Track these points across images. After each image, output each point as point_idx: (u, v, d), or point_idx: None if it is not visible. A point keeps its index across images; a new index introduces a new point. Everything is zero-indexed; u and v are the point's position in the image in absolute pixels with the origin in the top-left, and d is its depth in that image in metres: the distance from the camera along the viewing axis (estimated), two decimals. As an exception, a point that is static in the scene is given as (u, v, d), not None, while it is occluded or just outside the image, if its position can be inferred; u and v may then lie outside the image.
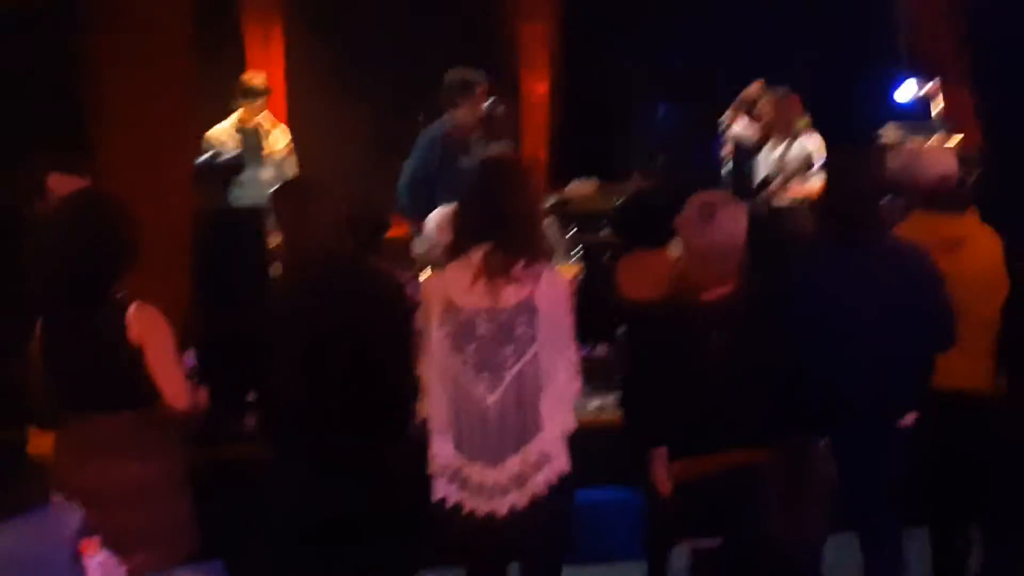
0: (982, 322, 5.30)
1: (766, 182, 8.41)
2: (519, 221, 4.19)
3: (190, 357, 5.15)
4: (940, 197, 5.29)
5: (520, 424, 4.16)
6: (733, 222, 4.32)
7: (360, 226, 5.33)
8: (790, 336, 4.42)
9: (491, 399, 4.14)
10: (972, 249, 5.27)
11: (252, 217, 6.01)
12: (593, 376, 5.40)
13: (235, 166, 7.28)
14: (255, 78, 8.40)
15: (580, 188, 8.96)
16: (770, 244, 5.90)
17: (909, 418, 4.91)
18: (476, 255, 4.18)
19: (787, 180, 8.32)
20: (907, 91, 8.78)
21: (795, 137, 8.56)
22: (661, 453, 4.53)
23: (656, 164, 9.54)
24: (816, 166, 8.25)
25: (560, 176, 9.37)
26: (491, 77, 7.63)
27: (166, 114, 6.22)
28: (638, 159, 9.81)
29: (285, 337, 4.33)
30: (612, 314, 5.32)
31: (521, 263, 4.14)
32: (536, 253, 4.19)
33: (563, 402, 4.20)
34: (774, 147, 8.64)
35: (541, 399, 4.15)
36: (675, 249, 4.95)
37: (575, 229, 8.05)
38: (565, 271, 7.41)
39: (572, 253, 7.82)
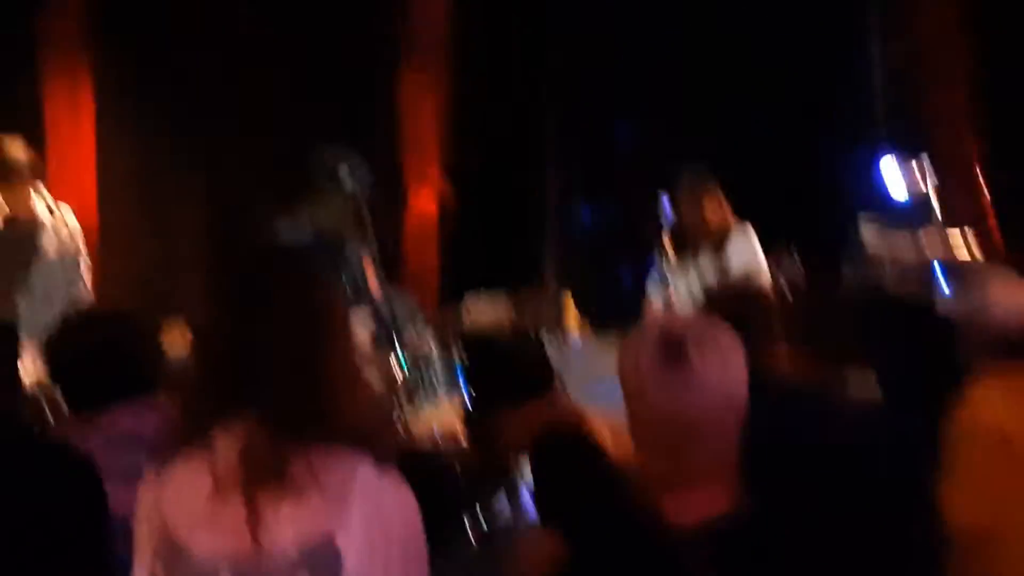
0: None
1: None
2: (306, 367, 2.16)
3: None
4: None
5: None
6: (723, 369, 2.27)
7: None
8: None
9: None
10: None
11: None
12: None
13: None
14: (10, 150, 6.17)
15: (482, 309, 6.65)
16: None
17: None
18: (222, 441, 2.14)
19: None
20: (891, 170, 6.84)
21: (725, 235, 6.49)
22: None
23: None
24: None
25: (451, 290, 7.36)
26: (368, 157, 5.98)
27: None
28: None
29: None
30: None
31: (309, 455, 2.10)
32: (340, 432, 2.13)
33: None
34: (697, 258, 6.55)
35: None
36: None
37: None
38: (442, 416, 5.53)
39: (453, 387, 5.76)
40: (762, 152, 7.64)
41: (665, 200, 6.39)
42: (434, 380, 5.72)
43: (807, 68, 7.74)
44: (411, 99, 8.38)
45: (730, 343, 2.31)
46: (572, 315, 6.76)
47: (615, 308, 7.06)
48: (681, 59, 8.10)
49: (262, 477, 2.08)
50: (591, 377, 4.70)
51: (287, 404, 2.12)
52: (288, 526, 2.07)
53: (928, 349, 3.57)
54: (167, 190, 7.88)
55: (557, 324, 6.77)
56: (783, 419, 3.06)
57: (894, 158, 6.96)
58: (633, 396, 2.30)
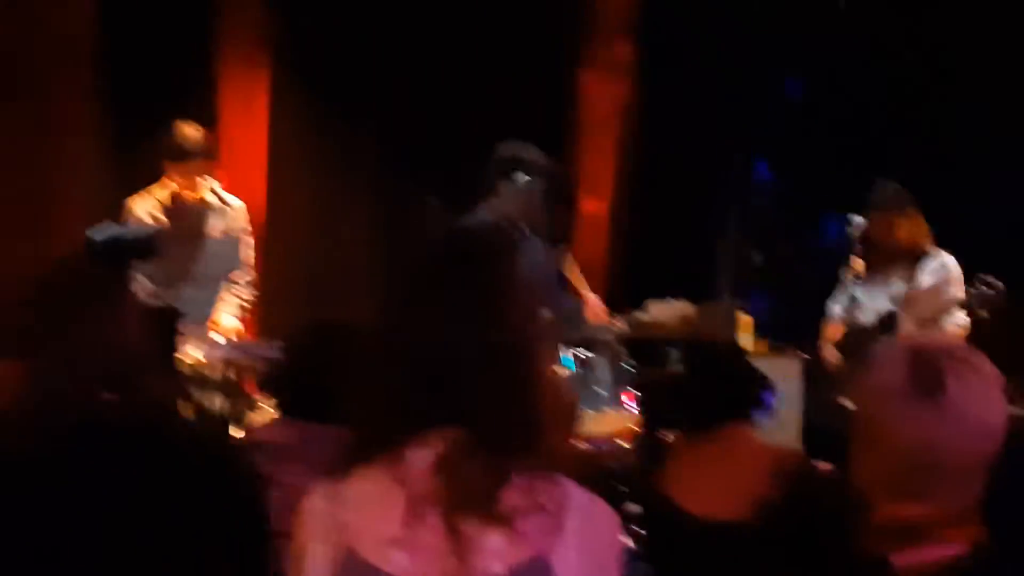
0: None
1: (888, 323, 5.99)
2: (516, 382, 1.94)
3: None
4: None
5: None
6: (982, 403, 2.04)
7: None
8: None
9: None
10: None
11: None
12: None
13: (140, 247, 5.10)
14: (186, 132, 6.17)
15: (665, 311, 6.42)
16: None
17: None
18: (416, 457, 1.92)
19: (932, 317, 5.91)
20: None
21: (919, 258, 6.17)
22: None
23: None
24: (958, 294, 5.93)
25: (626, 296, 7.02)
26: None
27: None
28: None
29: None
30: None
31: (517, 476, 1.91)
32: (552, 455, 1.96)
33: None
34: (888, 279, 6.25)
35: None
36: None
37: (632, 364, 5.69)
38: (609, 423, 5.26)
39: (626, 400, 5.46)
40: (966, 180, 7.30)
41: (857, 218, 6.09)
42: (598, 384, 5.49)
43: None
44: (593, 102, 8.21)
45: (991, 372, 2.06)
46: (747, 332, 6.44)
47: (792, 326, 6.77)
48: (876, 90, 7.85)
49: (471, 501, 1.88)
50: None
51: (496, 425, 1.91)
52: (498, 549, 1.89)
53: None
54: (337, 184, 7.77)
55: (731, 340, 6.46)
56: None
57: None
58: (878, 424, 2.06)
